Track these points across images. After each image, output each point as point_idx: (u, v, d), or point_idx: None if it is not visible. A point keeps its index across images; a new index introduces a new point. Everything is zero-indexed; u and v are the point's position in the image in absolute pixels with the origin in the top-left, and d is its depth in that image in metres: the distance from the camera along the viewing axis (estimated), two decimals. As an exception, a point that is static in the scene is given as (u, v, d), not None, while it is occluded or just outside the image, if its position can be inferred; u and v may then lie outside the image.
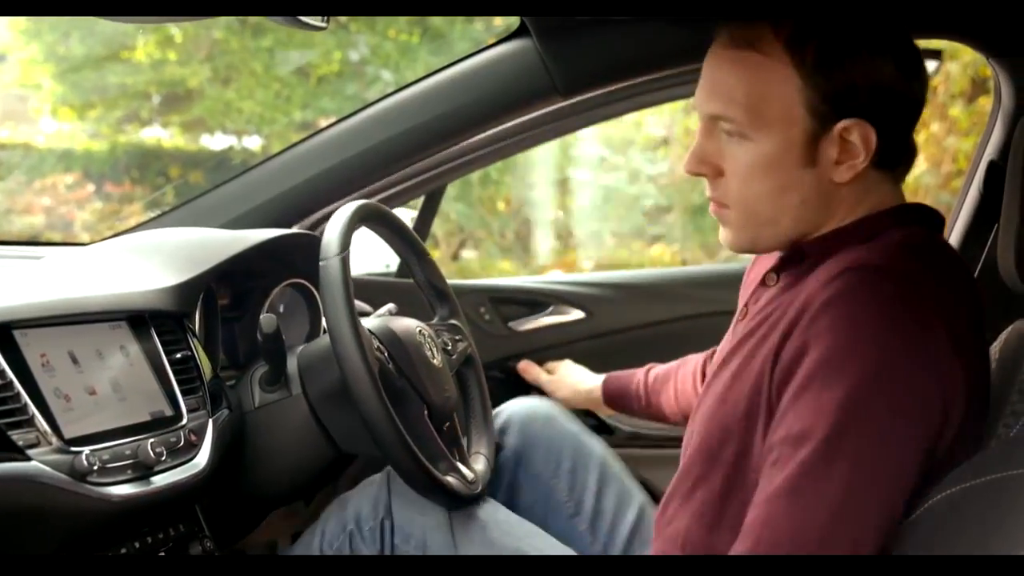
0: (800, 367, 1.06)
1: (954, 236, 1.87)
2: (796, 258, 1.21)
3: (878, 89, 1.13)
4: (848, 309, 1.05)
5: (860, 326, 1.04)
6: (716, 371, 1.24)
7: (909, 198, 1.23)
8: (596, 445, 1.59)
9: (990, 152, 1.78)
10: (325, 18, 1.04)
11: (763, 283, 1.26)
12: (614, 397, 1.78)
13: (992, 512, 0.97)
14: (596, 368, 1.89)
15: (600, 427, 2.08)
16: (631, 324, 2.23)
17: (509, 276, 5.15)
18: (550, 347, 2.15)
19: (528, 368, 1.98)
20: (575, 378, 1.87)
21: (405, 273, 2.09)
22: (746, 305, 1.29)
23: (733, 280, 1.49)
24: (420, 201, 2.11)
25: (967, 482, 1.00)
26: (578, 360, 1.98)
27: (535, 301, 2.21)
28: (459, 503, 1.35)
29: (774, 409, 1.10)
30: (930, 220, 1.21)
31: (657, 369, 1.73)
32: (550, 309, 2.21)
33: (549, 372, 1.96)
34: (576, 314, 2.21)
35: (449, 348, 1.50)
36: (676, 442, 1.35)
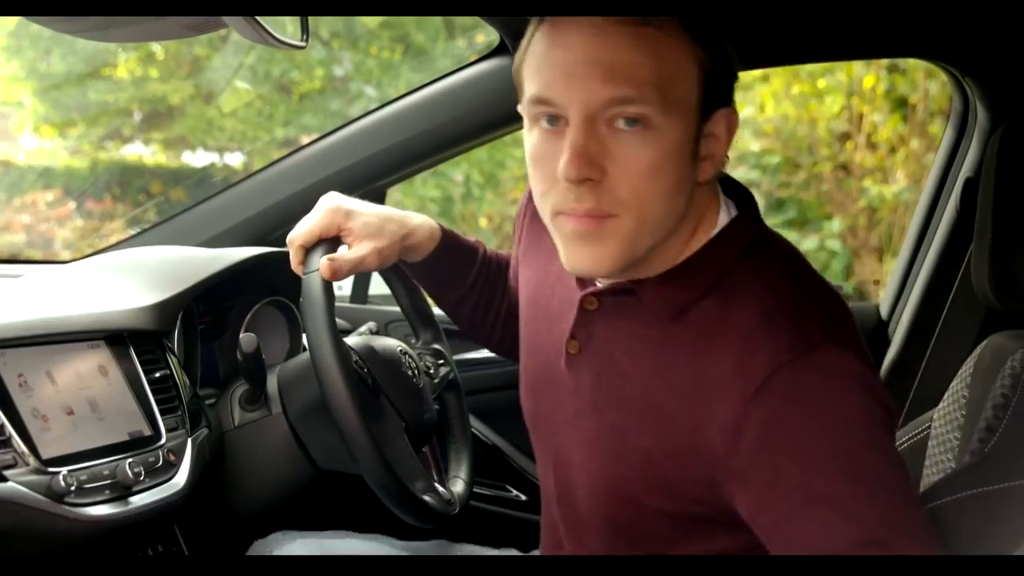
0: (804, 459, 0.91)
1: (931, 252, 1.88)
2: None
3: (734, 72, 1.02)
4: (802, 379, 0.93)
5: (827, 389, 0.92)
6: (574, 423, 1.09)
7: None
8: None
9: (966, 170, 1.80)
10: (304, 37, 1.04)
11: (583, 308, 1.09)
12: (452, 242, 1.37)
13: (969, 528, 0.97)
14: None
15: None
16: None
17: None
18: (489, 389, 1.89)
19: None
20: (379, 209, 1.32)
21: (356, 298, 2.03)
22: (574, 336, 1.10)
23: None
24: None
25: (942, 499, 1.01)
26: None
27: None
28: (435, 522, 1.34)
29: (724, 484, 0.97)
30: (746, 201, 1.07)
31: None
32: None
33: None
34: None
35: (431, 372, 1.49)
36: None
